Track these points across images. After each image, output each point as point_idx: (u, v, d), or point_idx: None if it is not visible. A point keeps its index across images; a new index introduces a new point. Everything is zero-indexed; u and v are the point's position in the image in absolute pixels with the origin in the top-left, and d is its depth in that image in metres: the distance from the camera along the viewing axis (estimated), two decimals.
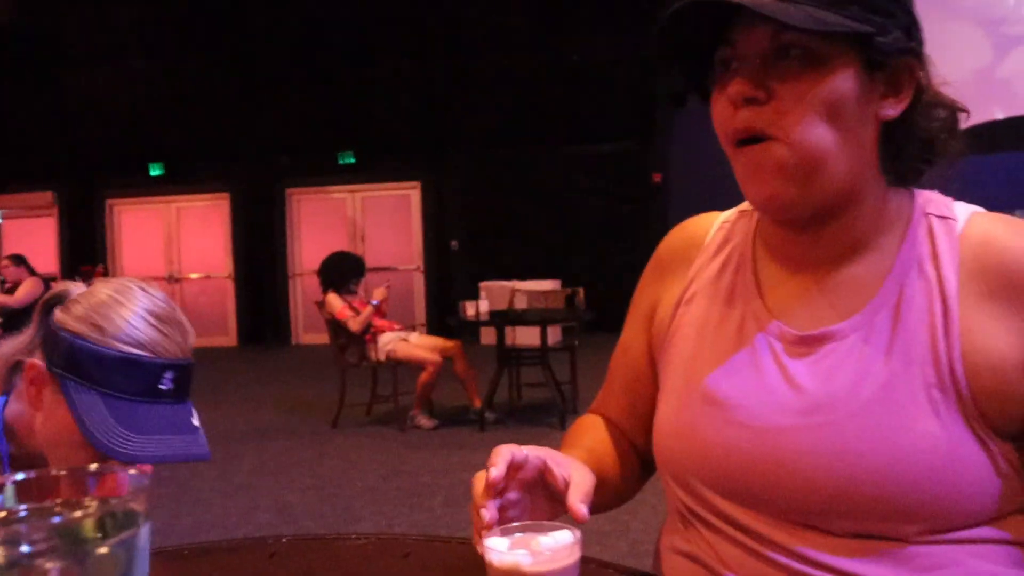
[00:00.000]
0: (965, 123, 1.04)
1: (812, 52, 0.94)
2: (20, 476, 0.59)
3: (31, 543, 0.52)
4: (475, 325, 7.41)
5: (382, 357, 6.62)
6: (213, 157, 13.57)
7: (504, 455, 0.93)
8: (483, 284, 10.40)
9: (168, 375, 1.24)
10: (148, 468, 1.32)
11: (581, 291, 7.68)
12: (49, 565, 0.50)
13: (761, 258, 1.11)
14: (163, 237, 14.36)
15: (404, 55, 12.75)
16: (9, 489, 0.59)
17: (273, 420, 7.29)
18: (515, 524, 0.88)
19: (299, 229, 14.01)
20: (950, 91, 1.03)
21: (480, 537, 0.88)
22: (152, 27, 13.35)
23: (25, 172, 13.95)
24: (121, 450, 1.18)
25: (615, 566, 1.02)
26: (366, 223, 13.69)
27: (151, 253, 14.22)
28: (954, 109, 1.03)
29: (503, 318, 7.03)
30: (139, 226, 14.45)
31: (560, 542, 0.84)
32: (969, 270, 0.96)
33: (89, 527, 0.55)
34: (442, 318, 12.12)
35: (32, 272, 8.58)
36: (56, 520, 0.55)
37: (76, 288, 1.27)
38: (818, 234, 1.03)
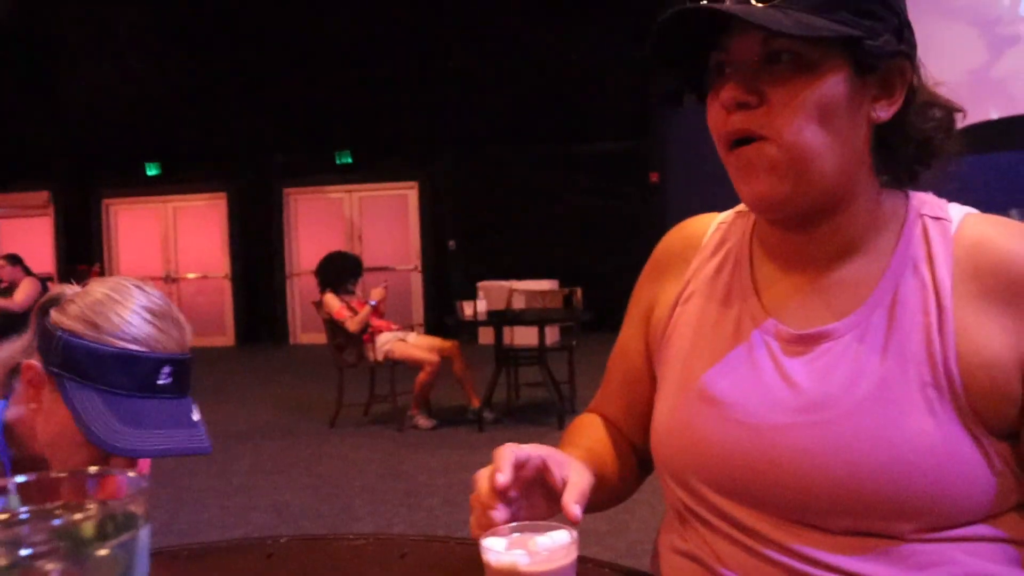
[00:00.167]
0: (960, 123, 1.05)
1: (802, 57, 0.95)
2: (21, 479, 0.59)
3: (32, 545, 0.53)
4: (473, 325, 7.41)
5: (380, 357, 6.62)
6: (210, 157, 13.56)
7: (508, 457, 0.94)
8: (481, 284, 10.41)
9: (166, 370, 1.24)
10: (146, 470, 1.32)
11: (579, 291, 7.68)
12: (50, 567, 0.51)
13: (758, 258, 1.12)
14: (160, 237, 14.35)
15: (401, 55, 12.74)
16: (14, 496, 0.59)
17: (271, 420, 7.29)
18: (512, 524, 0.89)
19: (296, 229, 14.00)
20: (945, 91, 1.05)
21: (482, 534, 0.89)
22: (149, 26, 13.33)
23: (21, 171, 13.94)
24: (120, 445, 1.18)
25: (612, 565, 1.02)
26: (363, 223, 13.69)
27: (148, 253, 14.22)
28: (950, 109, 1.04)
29: (501, 318, 7.04)
30: (136, 226, 14.45)
31: (557, 542, 0.84)
32: (963, 271, 0.97)
33: (89, 529, 0.55)
34: (440, 318, 12.12)
35: (28, 272, 8.56)
36: (57, 522, 0.55)
37: (72, 291, 1.27)
38: (812, 234, 1.04)
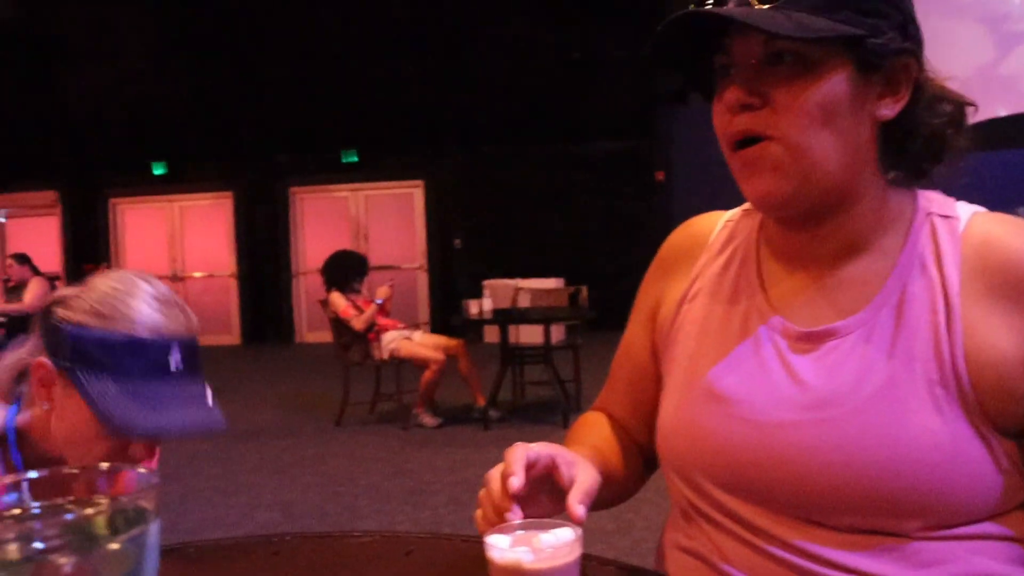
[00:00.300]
0: (970, 119, 1.05)
1: (805, 57, 0.95)
2: (34, 474, 0.60)
3: (44, 539, 0.53)
4: (478, 323, 7.41)
5: (385, 356, 6.63)
6: (216, 156, 13.58)
7: (519, 459, 0.94)
8: (486, 282, 10.41)
9: (176, 354, 1.25)
10: (154, 466, 1.32)
11: (584, 289, 7.68)
12: (63, 560, 0.51)
13: (764, 256, 1.12)
14: (166, 236, 14.37)
15: (407, 53, 12.74)
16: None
17: (276, 418, 7.30)
18: (517, 522, 0.89)
19: (302, 228, 14.01)
20: (953, 87, 1.04)
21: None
22: (155, 26, 13.35)
23: (28, 171, 13.96)
24: (139, 428, 1.19)
25: (616, 563, 1.03)
26: (369, 222, 13.69)
27: (154, 252, 14.23)
28: (960, 104, 1.04)
29: (506, 316, 7.04)
30: (142, 225, 14.46)
31: (561, 539, 0.84)
32: (971, 269, 0.97)
33: (101, 524, 0.56)
34: (445, 317, 12.13)
35: (36, 272, 8.57)
36: (69, 517, 0.56)
37: (74, 290, 1.28)
38: (817, 232, 1.04)
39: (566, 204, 12.65)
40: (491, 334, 10.81)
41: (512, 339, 7.39)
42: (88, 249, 14.03)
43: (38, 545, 0.53)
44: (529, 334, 9.20)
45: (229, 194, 14.06)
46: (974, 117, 1.06)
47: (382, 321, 6.70)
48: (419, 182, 13.45)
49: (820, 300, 1.04)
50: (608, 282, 9.68)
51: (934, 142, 1.02)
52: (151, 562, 0.57)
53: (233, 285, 14.15)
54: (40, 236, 14.11)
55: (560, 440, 1.12)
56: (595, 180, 12.56)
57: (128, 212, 14.56)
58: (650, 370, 1.22)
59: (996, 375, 0.93)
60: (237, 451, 6.06)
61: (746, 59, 0.98)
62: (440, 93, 12.85)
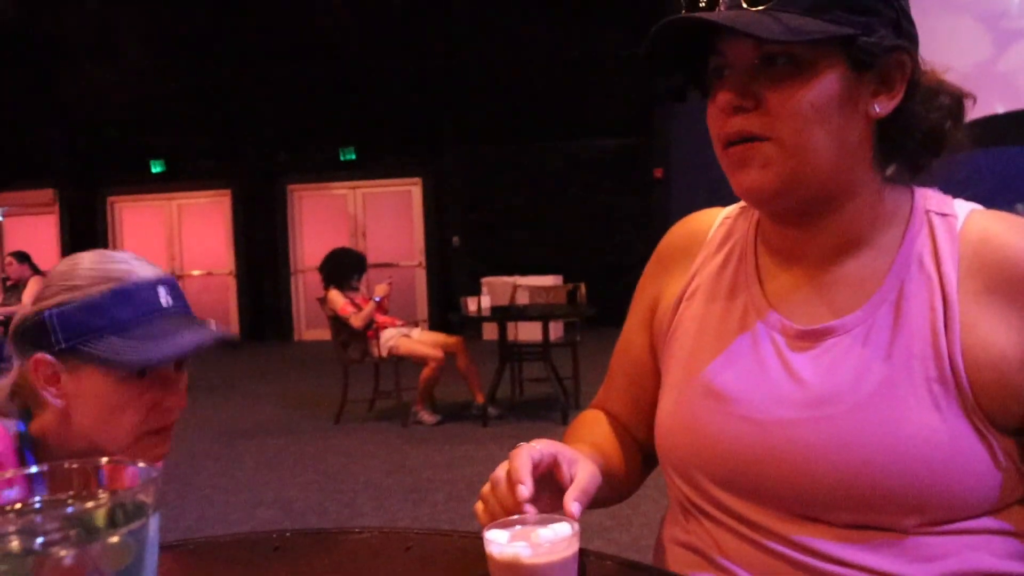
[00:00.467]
0: (969, 114, 1.05)
1: (797, 58, 0.95)
2: (34, 469, 0.60)
3: (45, 533, 0.54)
4: (477, 321, 7.42)
5: (384, 353, 6.63)
6: (214, 154, 13.58)
7: (525, 465, 0.94)
8: (485, 280, 10.42)
9: (162, 290, 1.26)
10: (159, 464, 1.32)
11: (583, 286, 7.69)
12: (63, 553, 0.52)
13: (762, 254, 1.12)
14: (164, 234, 14.37)
15: (405, 51, 12.74)
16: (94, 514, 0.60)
17: (275, 416, 7.30)
18: (515, 517, 0.90)
19: (300, 226, 14.01)
20: (952, 78, 1.04)
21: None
22: (152, 24, 13.34)
23: (26, 169, 13.95)
24: (156, 358, 1.20)
25: (614, 558, 1.03)
26: (367, 219, 13.69)
27: (153, 250, 14.21)
28: (958, 96, 1.04)
29: (505, 314, 7.04)
30: (140, 223, 14.46)
31: (559, 534, 0.85)
32: (969, 266, 0.97)
33: (101, 517, 0.56)
34: (444, 314, 12.13)
35: (36, 271, 8.54)
36: (69, 511, 0.57)
37: (36, 289, 1.29)
38: (811, 229, 1.04)
39: (564, 201, 12.65)
40: (489, 331, 10.81)
41: (511, 336, 7.39)
42: (86, 247, 13.59)
43: (39, 539, 0.54)
44: (527, 331, 9.21)
45: (227, 192, 14.05)
46: (972, 114, 1.06)
47: (380, 319, 6.70)
48: (417, 180, 13.45)
49: (818, 298, 1.04)
50: (606, 279, 9.70)
51: (932, 136, 1.03)
52: (151, 556, 0.57)
53: (231, 283, 14.15)
54: (38, 234, 14.10)
55: (559, 437, 1.12)
56: (594, 177, 12.57)
57: (126, 210, 14.55)
58: (649, 367, 1.22)
59: (994, 372, 0.93)
60: (237, 449, 6.06)
61: (739, 61, 0.98)
62: (438, 91, 12.85)
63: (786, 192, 0.99)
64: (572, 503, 0.93)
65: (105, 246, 13.81)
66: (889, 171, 1.05)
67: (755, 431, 1.01)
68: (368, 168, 13.35)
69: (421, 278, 13.53)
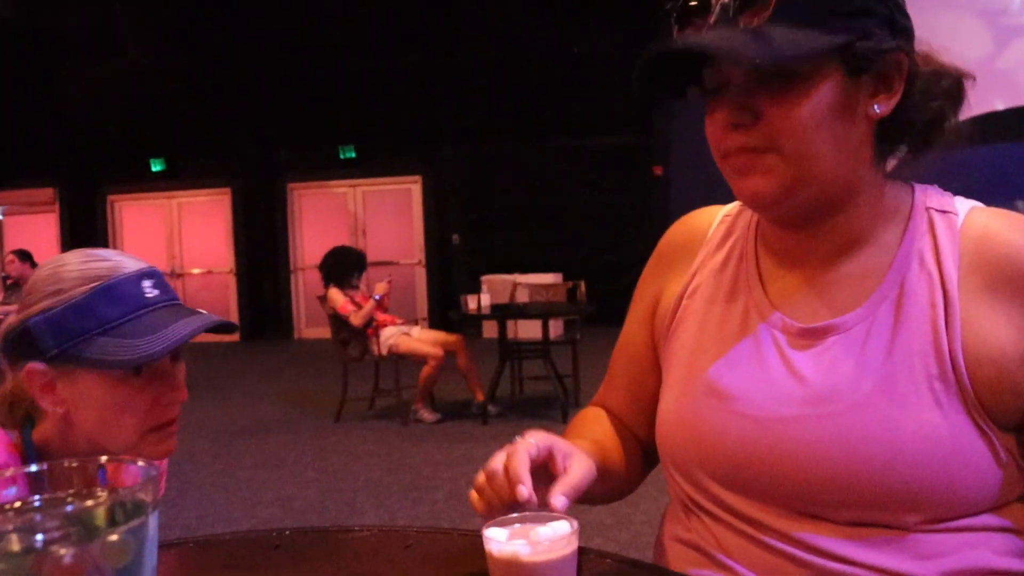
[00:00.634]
0: (966, 114, 1.04)
1: (793, 71, 0.94)
2: (34, 468, 0.61)
3: (45, 531, 0.54)
4: (477, 319, 7.42)
5: (384, 351, 6.64)
6: (214, 153, 13.58)
7: (524, 463, 0.94)
8: (484, 278, 10.41)
9: (147, 283, 1.23)
10: (163, 463, 1.31)
11: (582, 284, 7.69)
12: (63, 552, 0.52)
13: (763, 252, 1.12)
14: (164, 233, 14.37)
15: (404, 49, 12.74)
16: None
17: (275, 415, 7.30)
18: (514, 515, 0.90)
19: (300, 224, 14.01)
20: (950, 62, 1.03)
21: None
22: (152, 22, 13.34)
23: (26, 168, 13.95)
24: (151, 351, 1.17)
25: (612, 555, 1.03)
26: (367, 218, 13.70)
27: (153, 249, 14.22)
28: (958, 77, 1.03)
29: (505, 312, 7.05)
30: (140, 222, 14.47)
31: (558, 532, 0.85)
32: (969, 264, 0.97)
33: (100, 516, 0.56)
34: (444, 312, 12.13)
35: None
36: (69, 509, 0.57)
37: (13, 307, 1.26)
38: (813, 231, 1.04)
39: (564, 199, 12.66)
40: (489, 329, 10.82)
41: (510, 334, 7.40)
42: (86, 246, 13.93)
43: (39, 537, 0.54)
44: (527, 329, 9.21)
45: (227, 191, 14.06)
46: (972, 111, 1.05)
47: (380, 317, 6.71)
48: (417, 178, 13.45)
49: (819, 296, 1.04)
50: (606, 277, 9.69)
51: (932, 123, 1.02)
52: (150, 553, 0.57)
53: (232, 282, 14.15)
54: (38, 233, 14.11)
55: (559, 435, 1.12)
56: (593, 175, 12.57)
57: (126, 209, 14.56)
58: (650, 365, 1.22)
59: (995, 370, 0.93)
60: (236, 447, 6.07)
61: (735, 77, 0.98)
62: (438, 89, 12.84)
63: (788, 198, 0.99)
64: (556, 496, 0.92)
65: (106, 244, 13.84)
66: (889, 166, 1.04)
67: (756, 429, 1.01)
68: (368, 166, 13.36)
69: (421, 276, 13.53)
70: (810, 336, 1.03)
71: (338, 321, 6.70)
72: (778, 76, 0.94)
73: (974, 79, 1.03)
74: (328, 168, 13.52)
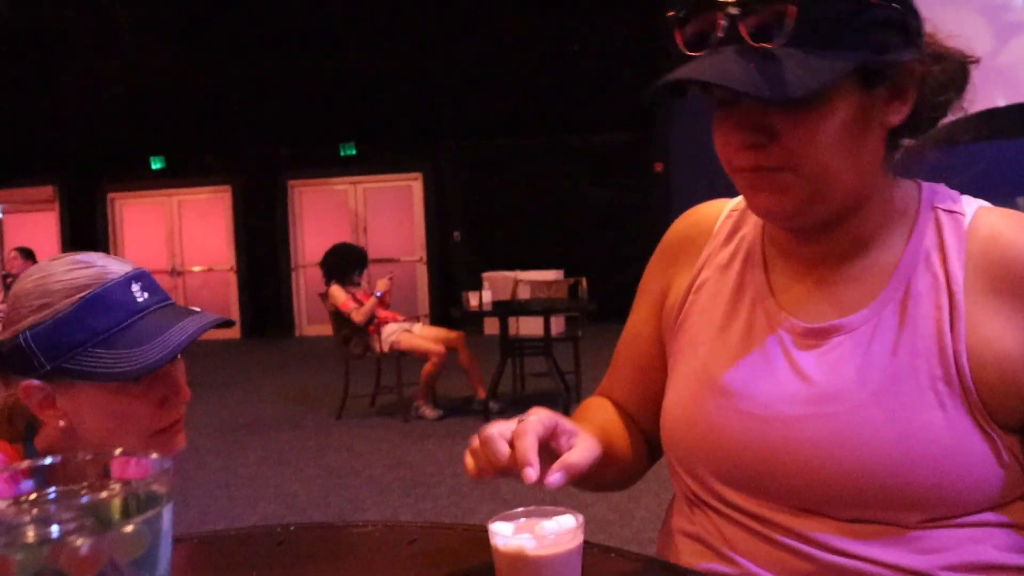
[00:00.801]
0: (968, 110, 1.03)
1: None
2: (49, 461, 0.61)
3: (61, 523, 0.54)
4: (478, 316, 7.42)
5: (386, 348, 6.64)
6: (214, 150, 13.57)
7: (532, 446, 0.92)
8: (486, 275, 10.41)
9: (135, 287, 1.19)
10: (180, 447, 1.29)
11: (584, 281, 7.69)
12: (79, 543, 0.53)
13: (770, 251, 1.12)
14: (165, 230, 14.37)
15: (405, 46, 12.73)
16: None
17: (277, 412, 7.31)
18: (519, 509, 0.90)
19: (301, 221, 14.01)
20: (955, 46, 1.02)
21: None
22: (152, 20, 13.32)
23: (25, 166, 13.95)
24: (149, 361, 1.14)
25: (617, 550, 1.04)
26: (368, 215, 13.69)
27: (153, 247, 14.23)
28: (963, 63, 1.01)
29: (506, 308, 7.05)
30: (141, 220, 14.46)
31: (563, 527, 0.86)
32: (976, 265, 0.97)
33: (115, 507, 0.57)
34: (445, 309, 12.13)
35: None
36: (84, 500, 0.57)
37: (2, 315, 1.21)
38: (823, 235, 1.04)
39: (565, 196, 12.65)
40: (491, 326, 10.81)
41: (512, 331, 7.40)
42: (86, 244, 13.99)
43: (54, 528, 0.54)
44: (529, 326, 9.21)
45: (228, 188, 14.06)
46: (973, 107, 1.04)
47: (382, 314, 6.71)
48: (418, 175, 13.45)
49: (825, 296, 1.04)
50: (607, 274, 9.70)
51: (939, 116, 1.01)
52: (165, 545, 0.58)
53: (232, 279, 14.15)
54: (38, 231, 14.11)
55: None
56: (594, 172, 12.56)
57: (126, 207, 14.55)
58: (657, 358, 1.22)
59: (999, 372, 0.93)
60: (239, 444, 6.07)
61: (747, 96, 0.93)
62: (438, 85, 12.83)
63: (803, 213, 0.98)
64: (553, 473, 0.92)
65: (105, 243, 13.84)
66: (896, 162, 1.03)
67: (760, 427, 1.01)
68: (368, 163, 13.35)
69: (422, 273, 13.53)
70: (815, 336, 1.03)
71: (340, 318, 6.71)
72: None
73: (978, 61, 1.02)
74: (329, 165, 13.51)
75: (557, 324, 9.43)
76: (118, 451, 0.62)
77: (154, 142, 13.77)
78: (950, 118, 1.04)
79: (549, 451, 0.97)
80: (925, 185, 1.06)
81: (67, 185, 14.32)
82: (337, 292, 6.66)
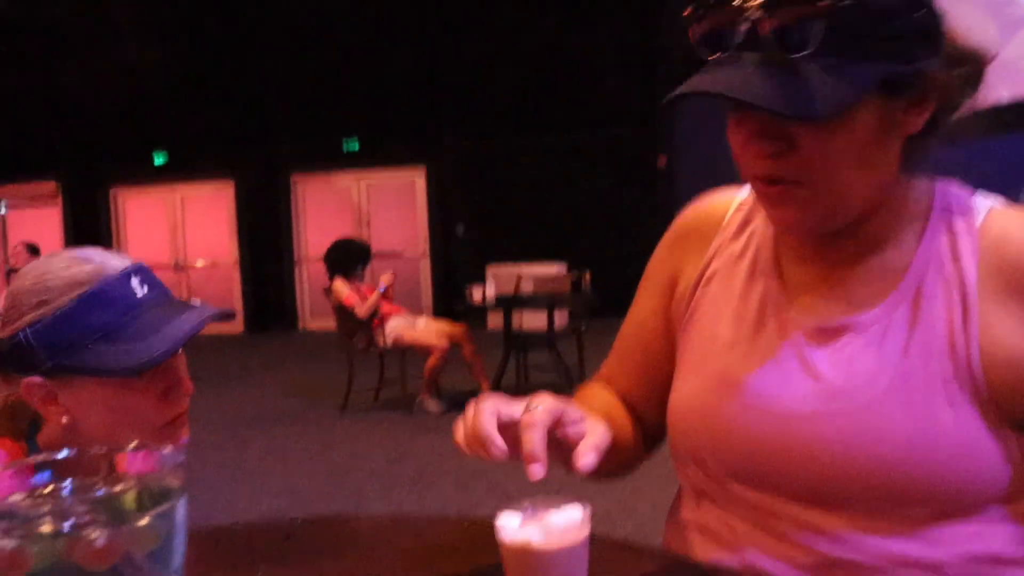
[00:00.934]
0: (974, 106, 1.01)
1: None
2: (64, 454, 0.61)
3: (76, 516, 0.55)
4: (482, 310, 7.42)
5: (389, 342, 6.64)
6: (217, 145, 13.57)
7: (540, 439, 0.90)
8: (490, 269, 10.41)
9: (135, 281, 1.19)
10: (184, 440, 1.29)
11: (587, 275, 7.68)
12: (94, 535, 0.53)
13: (782, 248, 1.11)
14: (168, 225, 14.38)
15: (408, 41, 12.71)
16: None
17: (281, 406, 7.32)
18: (525, 501, 0.90)
19: (304, 216, 14.01)
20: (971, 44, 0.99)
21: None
22: (154, 14, 13.32)
23: (28, 162, 13.97)
24: (150, 355, 1.13)
25: (623, 543, 1.04)
26: (371, 209, 13.69)
27: (156, 241, 14.25)
28: (980, 60, 0.99)
29: (510, 302, 7.04)
30: (144, 215, 14.47)
31: (570, 519, 0.85)
32: (989, 265, 0.96)
33: (130, 500, 0.57)
34: (448, 303, 12.14)
35: None
36: (99, 494, 0.58)
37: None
38: (836, 239, 1.03)
39: (568, 190, 12.64)
40: (494, 320, 10.82)
41: (515, 325, 7.39)
42: (90, 240, 13.88)
43: (70, 521, 0.55)
44: (532, 320, 9.21)
45: (231, 182, 14.06)
46: (978, 103, 1.03)
47: (386, 308, 6.71)
48: (421, 169, 13.44)
49: (837, 294, 1.04)
50: (611, 268, 9.70)
51: (953, 115, 1.00)
52: (179, 538, 0.58)
53: (235, 274, 14.16)
54: (41, 227, 14.11)
55: None
56: (597, 166, 12.55)
57: (129, 202, 14.57)
58: (664, 346, 1.20)
59: (1010, 371, 0.93)
60: (242, 438, 6.08)
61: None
62: (441, 80, 12.82)
63: (821, 225, 0.98)
64: (585, 455, 0.90)
65: (109, 238, 13.85)
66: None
67: (772, 424, 1.01)
68: (372, 158, 13.35)
69: (425, 267, 13.53)
70: (827, 334, 1.02)
71: (343, 312, 6.71)
72: None
73: (996, 54, 1.01)
74: (332, 160, 13.51)
75: (560, 318, 9.41)
76: (132, 444, 0.63)
77: (157, 137, 13.77)
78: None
79: (554, 439, 0.95)
80: (938, 183, 1.04)
81: (70, 180, 14.33)
82: (341, 286, 6.67)
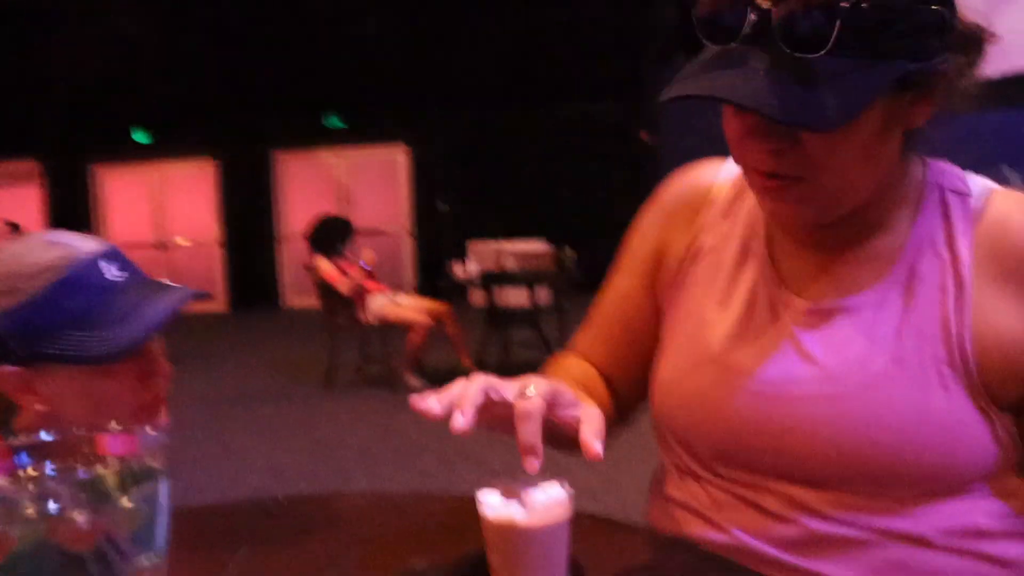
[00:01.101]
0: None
1: None
2: (46, 437, 0.61)
3: (58, 497, 0.55)
4: (464, 286, 7.42)
5: (372, 319, 6.64)
6: (199, 122, 13.46)
7: (537, 429, 0.86)
8: (471, 245, 10.39)
9: (106, 265, 1.14)
10: (163, 422, 1.27)
11: (570, 251, 7.68)
12: (78, 517, 0.53)
13: (773, 229, 1.09)
14: (149, 204, 14.27)
15: (390, 17, 12.61)
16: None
17: (264, 384, 7.31)
18: (508, 480, 0.90)
19: (287, 193, 13.94)
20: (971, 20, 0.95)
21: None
22: None
23: (7, 140, 13.80)
24: (127, 340, 1.09)
25: (607, 519, 1.04)
26: (353, 185, 13.63)
27: (138, 220, 14.15)
28: (980, 40, 0.95)
29: (492, 279, 7.03)
30: (125, 193, 14.37)
31: (554, 497, 0.85)
32: (984, 249, 0.96)
33: (112, 482, 0.57)
34: (430, 279, 12.12)
35: None
36: (82, 476, 0.57)
37: None
38: (831, 224, 1.01)
39: (551, 166, 12.62)
40: (476, 297, 10.81)
41: (498, 302, 7.40)
42: (70, 219, 13.90)
43: (53, 503, 0.55)
44: (514, 296, 9.21)
45: (212, 160, 13.96)
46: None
47: (368, 284, 6.70)
48: (403, 145, 13.38)
49: (830, 277, 1.03)
50: (594, 244, 9.69)
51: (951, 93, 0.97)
52: (162, 518, 0.58)
53: (218, 252, 14.09)
54: (22, 206, 13.97)
55: None
56: (581, 142, 12.52)
57: (110, 180, 14.44)
58: (648, 323, 1.18)
59: (1002, 356, 0.93)
60: (225, 417, 6.07)
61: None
62: (424, 56, 12.74)
63: (820, 219, 0.98)
64: (594, 441, 0.85)
65: (90, 217, 13.73)
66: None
67: (763, 406, 1.00)
68: (354, 134, 13.28)
69: (408, 244, 13.51)
70: (820, 316, 1.01)
71: (326, 289, 6.70)
72: None
73: (996, 37, 0.95)
74: (314, 136, 13.43)
75: (543, 294, 9.42)
76: (113, 425, 0.63)
77: (137, 115, 13.64)
78: None
79: (546, 422, 0.90)
80: (931, 163, 1.03)
81: (50, 159, 14.20)
82: (323, 263, 6.65)
